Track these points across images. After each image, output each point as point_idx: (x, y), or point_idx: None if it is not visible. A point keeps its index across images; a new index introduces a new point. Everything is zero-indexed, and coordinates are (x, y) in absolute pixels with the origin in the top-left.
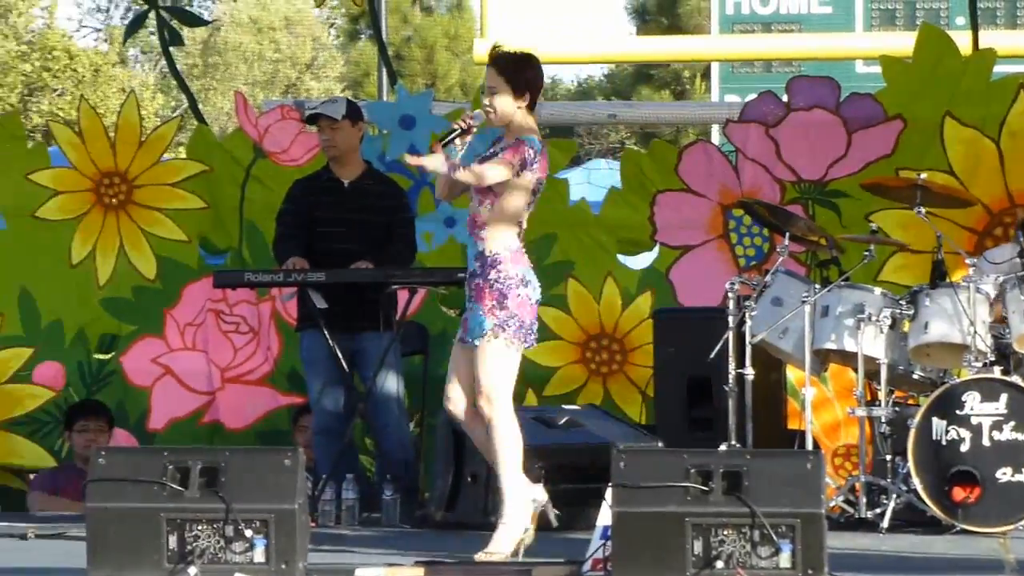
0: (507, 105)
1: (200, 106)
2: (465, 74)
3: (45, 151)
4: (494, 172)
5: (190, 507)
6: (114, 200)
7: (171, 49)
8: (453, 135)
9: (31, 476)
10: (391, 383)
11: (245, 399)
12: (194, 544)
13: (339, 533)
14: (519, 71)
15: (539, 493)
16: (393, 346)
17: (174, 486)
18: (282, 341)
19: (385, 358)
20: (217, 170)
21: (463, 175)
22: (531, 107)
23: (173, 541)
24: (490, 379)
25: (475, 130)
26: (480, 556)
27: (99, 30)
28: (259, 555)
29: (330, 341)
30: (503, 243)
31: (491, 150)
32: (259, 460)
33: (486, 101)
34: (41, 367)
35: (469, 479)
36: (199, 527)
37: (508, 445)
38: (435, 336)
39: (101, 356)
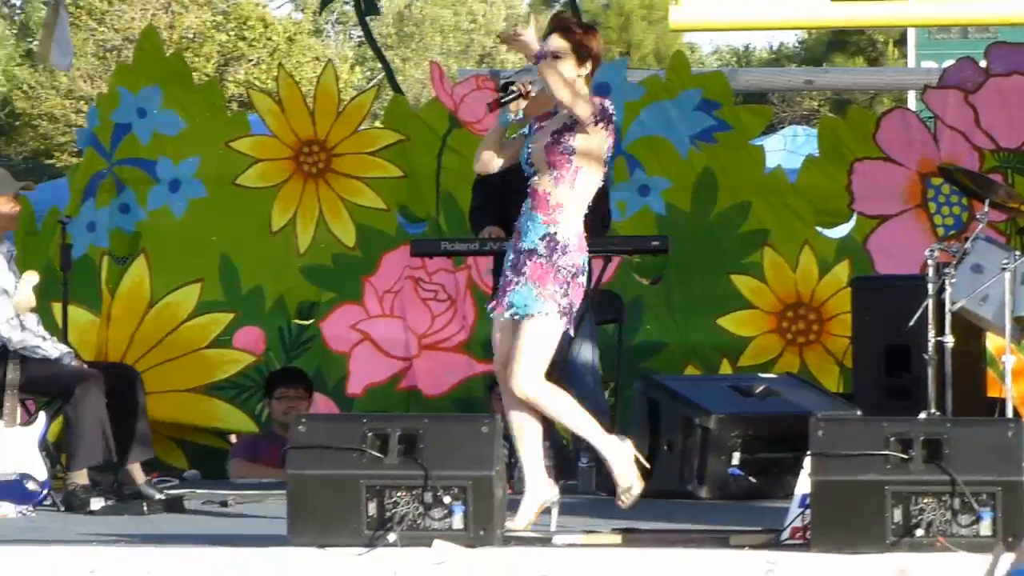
0: (569, 73)
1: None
2: (660, 42)
3: (245, 119)
4: (583, 102)
5: (389, 474)
6: (313, 168)
7: (366, 19)
8: (511, 97)
9: (231, 438)
10: (586, 352)
11: (442, 366)
12: (393, 511)
13: None
14: (585, 39)
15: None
16: (587, 315)
17: (374, 453)
18: (477, 309)
19: (579, 327)
20: (413, 140)
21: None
22: (588, 77)
23: (372, 508)
24: (539, 358)
25: (532, 95)
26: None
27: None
28: (457, 521)
29: None
30: (575, 229)
31: (539, 125)
32: (457, 427)
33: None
34: (241, 332)
35: (665, 447)
36: (398, 494)
37: (570, 406)
38: (629, 304)
39: (300, 322)
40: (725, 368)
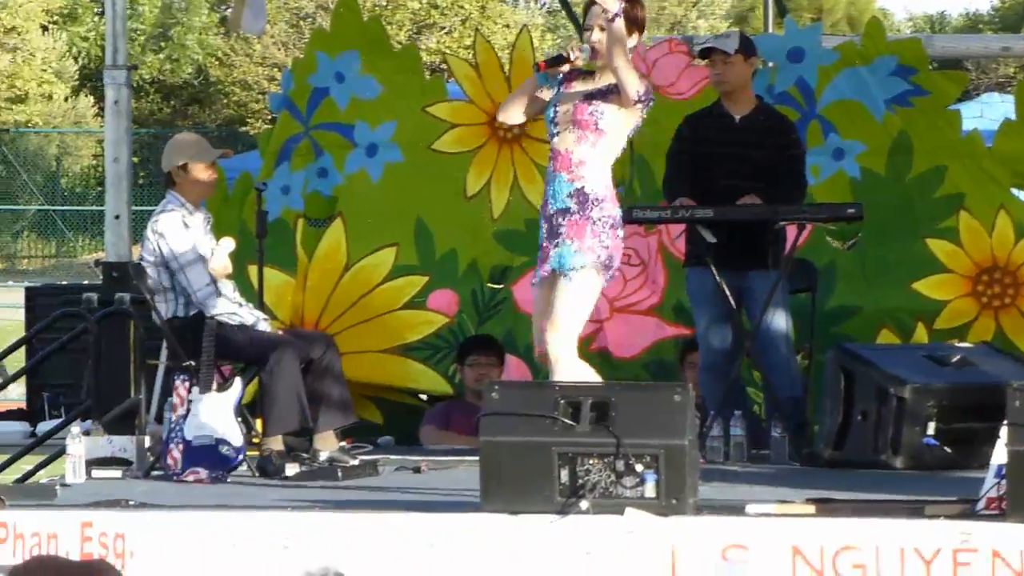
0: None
1: None
2: (852, 7)
3: (442, 84)
4: (637, 79)
5: (582, 441)
6: (509, 134)
7: None
8: (558, 60)
9: (422, 397)
10: (779, 321)
11: (633, 329)
12: (585, 478)
13: (728, 469)
14: (630, 8)
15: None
16: (781, 284)
17: (566, 421)
18: (668, 274)
19: (773, 296)
20: None
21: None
22: (635, 50)
23: (565, 475)
24: (572, 314)
25: (579, 63)
26: None
27: None
28: (650, 490)
29: (717, 278)
30: (604, 182)
31: (568, 85)
32: (649, 396)
33: (595, 37)
34: (435, 295)
35: (859, 416)
36: (590, 461)
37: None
38: (822, 269)
39: (493, 286)
40: (920, 332)
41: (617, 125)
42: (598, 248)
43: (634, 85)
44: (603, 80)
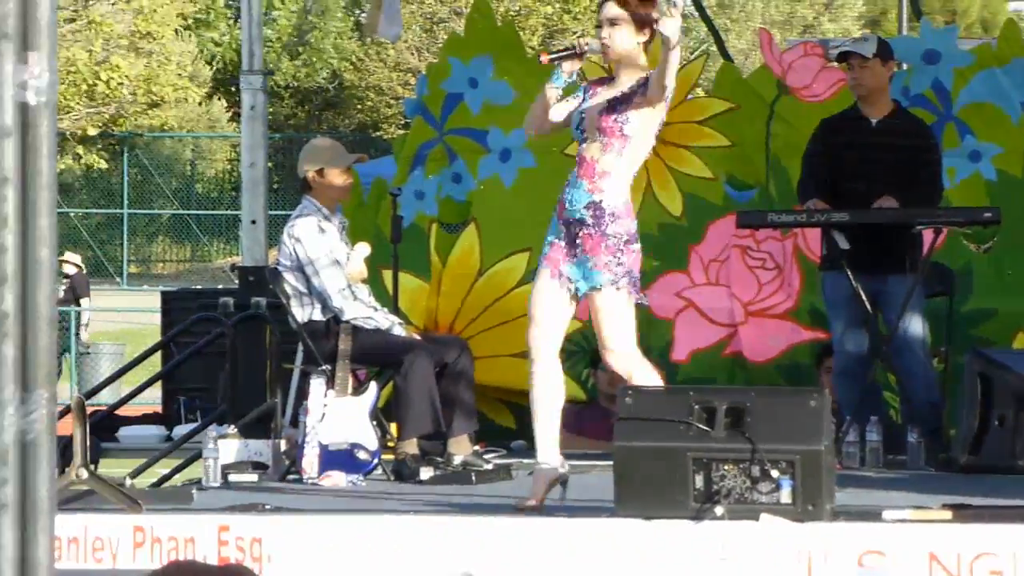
0: (627, 39)
1: None
2: (986, 10)
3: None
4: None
5: (716, 447)
6: None
7: None
8: (564, 54)
9: None
10: (916, 326)
11: (767, 333)
12: (720, 484)
13: (864, 475)
14: (643, 4)
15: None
16: (917, 288)
17: (700, 426)
18: (803, 277)
19: (909, 300)
20: (742, 107)
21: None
22: (646, 45)
23: (699, 480)
24: (623, 332)
25: (587, 59)
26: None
27: None
28: (785, 496)
29: (853, 282)
30: (622, 197)
31: (593, 91)
32: (785, 401)
33: (604, 33)
34: None
35: (996, 421)
36: (725, 467)
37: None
38: (958, 271)
39: None
40: None
41: (643, 127)
42: (613, 266)
43: (672, 80)
44: (624, 83)
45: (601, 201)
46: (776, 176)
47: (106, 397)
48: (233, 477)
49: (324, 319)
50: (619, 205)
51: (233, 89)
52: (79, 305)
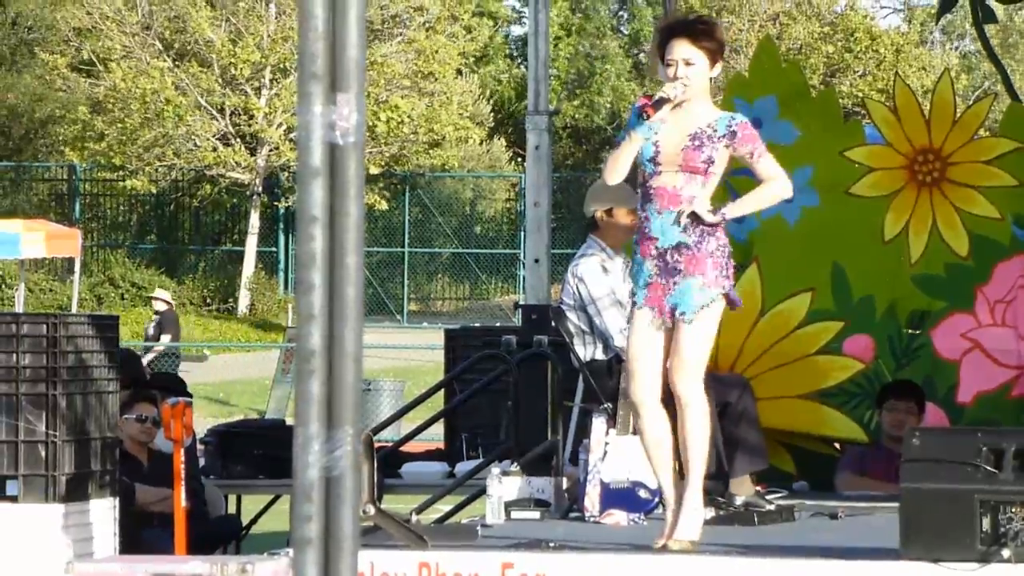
0: (704, 77)
1: None
2: None
3: (860, 128)
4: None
5: (1005, 489)
6: (928, 177)
7: (983, 27)
8: (662, 103)
9: (836, 445)
10: None
11: None
12: (1008, 526)
13: None
14: (717, 39)
15: None
16: None
17: (988, 468)
18: None
19: None
20: None
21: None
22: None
23: (986, 523)
24: (702, 353)
25: (677, 99)
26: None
27: (899, 10)
28: None
29: None
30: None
31: (662, 120)
32: None
33: (682, 72)
34: (851, 340)
35: None
36: (1012, 509)
37: (705, 425)
38: None
39: (910, 331)
40: None
41: (724, 165)
42: (722, 280)
43: (786, 194)
44: (701, 117)
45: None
46: None
47: (387, 433)
48: (516, 514)
49: (606, 358)
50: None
51: (513, 128)
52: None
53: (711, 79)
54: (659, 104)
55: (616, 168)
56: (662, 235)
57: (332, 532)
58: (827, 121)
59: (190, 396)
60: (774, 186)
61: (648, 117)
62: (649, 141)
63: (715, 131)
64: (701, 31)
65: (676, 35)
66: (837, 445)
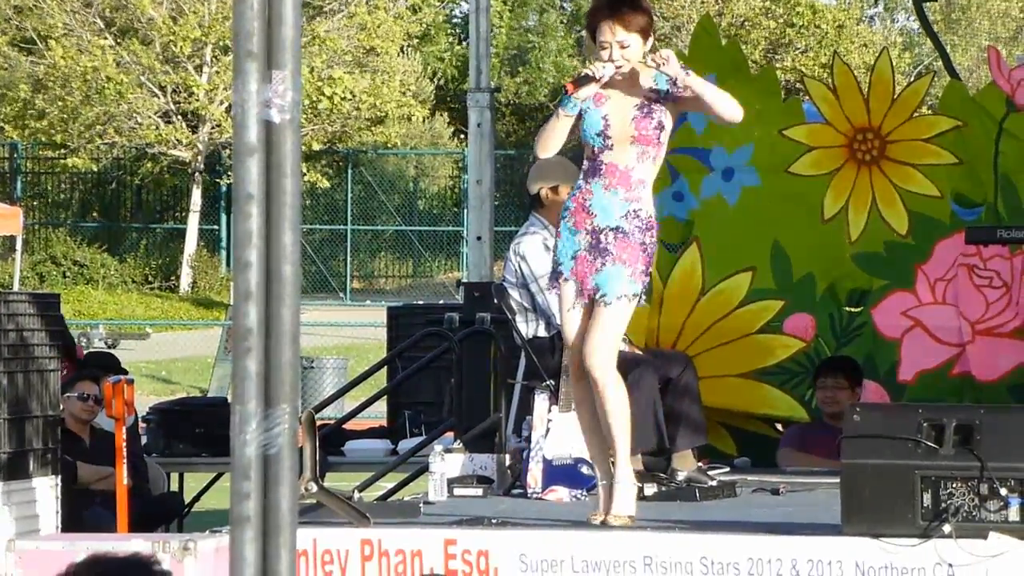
0: (638, 54)
1: None
2: None
3: (800, 107)
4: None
5: (944, 464)
6: (867, 156)
7: (923, 5)
8: (589, 81)
9: (778, 426)
10: None
11: (996, 351)
12: (948, 502)
13: None
14: (646, 15)
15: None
16: None
17: (929, 443)
18: None
19: None
20: (970, 125)
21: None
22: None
23: (927, 499)
24: (615, 339)
25: (605, 79)
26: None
27: None
28: (1014, 514)
29: None
30: (651, 206)
31: (603, 96)
32: (1014, 418)
33: (616, 55)
34: (792, 319)
35: None
36: (953, 485)
37: (623, 401)
38: None
39: (851, 310)
40: None
41: (671, 127)
42: (644, 276)
43: (737, 110)
44: (643, 88)
45: (640, 210)
46: (1004, 194)
47: (329, 411)
48: (458, 491)
49: (548, 335)
50: (653, 215)
51: (455, 105)
52: None
53: (645, 53)
54: (582, 81)
55: (547, 143)
56: (602, 213)
57: (270, 509)
58: (767, 100)
59: (126, 373)
60: (728, 96)
61: (568, 93)
62: (598, 115)
63: (657, 91)
64: (629, 11)
65: (606, 18)
66: (779, 427)
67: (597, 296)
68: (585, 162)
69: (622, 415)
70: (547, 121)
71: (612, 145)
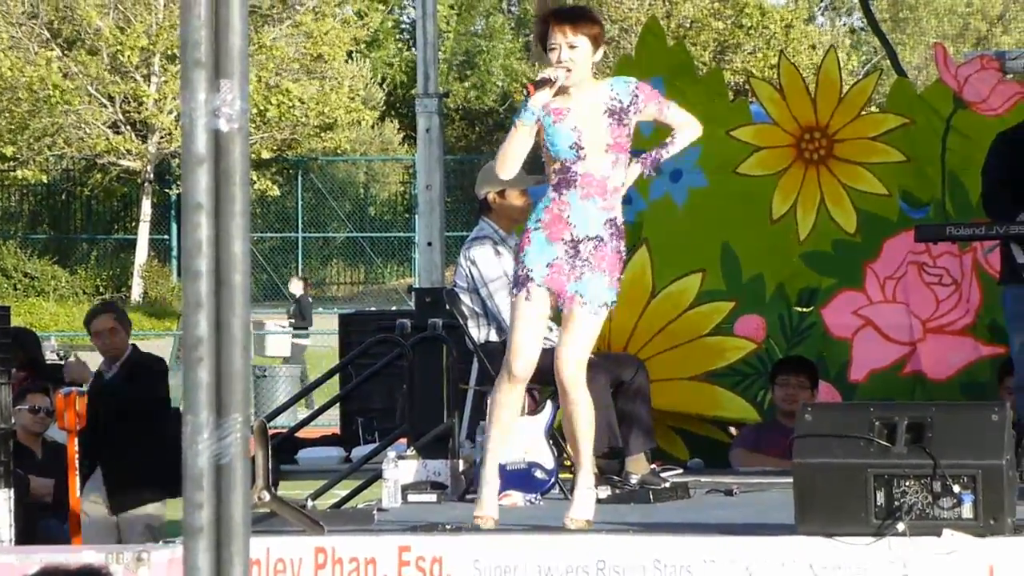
0: (587, 60)
1: None
2: None
3: (747, 108)
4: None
5: (897, 463)
6: (815, 155)
7: (869, 3)
8: (545, 84)
9: (731, 429)
10: None
11: (947, 349)
12: (901, 500)
13: None
14: (596, 24)
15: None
16: None
17: (881, 442)
18: (982, 292)
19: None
20: (917, 122)
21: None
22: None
23: (880, 497)
24: (590, 344)
25: (560, 83)
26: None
27: None
28: (967, 511)
29: None
30: (621, 213)
31: (564, 108)
32: (965, 415)
33: (566, 57)
34: (743, 320)
35: None
36: (906, 483)
37: (592, 409)
38: None
39: (801, 309)
40: None
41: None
42: (618, 284)
43: (698, 132)
44: (603, 96)
45: (615, 219)
46: (952, 191)
47: (283, 419)
48: (412, 497)
49: (500, 340)
50: (623, 222)
51: (405, 111)
52: None
53: (593, 63)
54: (541, 84)
55: (507, 162)
56: (581, 223)
57: (223, 519)
58: (714, 101)
59: (80, 385)
60: (689, 130)
61: (530, 95)
62: (566, 128)
63: (621, 102)
64: (579, 16)
65: (556, 23)
66: (733, 430)
67: (579, 301)
68: (554, 175)
69: (591, 423)
70: (506, 140)
71: (585, 155)
